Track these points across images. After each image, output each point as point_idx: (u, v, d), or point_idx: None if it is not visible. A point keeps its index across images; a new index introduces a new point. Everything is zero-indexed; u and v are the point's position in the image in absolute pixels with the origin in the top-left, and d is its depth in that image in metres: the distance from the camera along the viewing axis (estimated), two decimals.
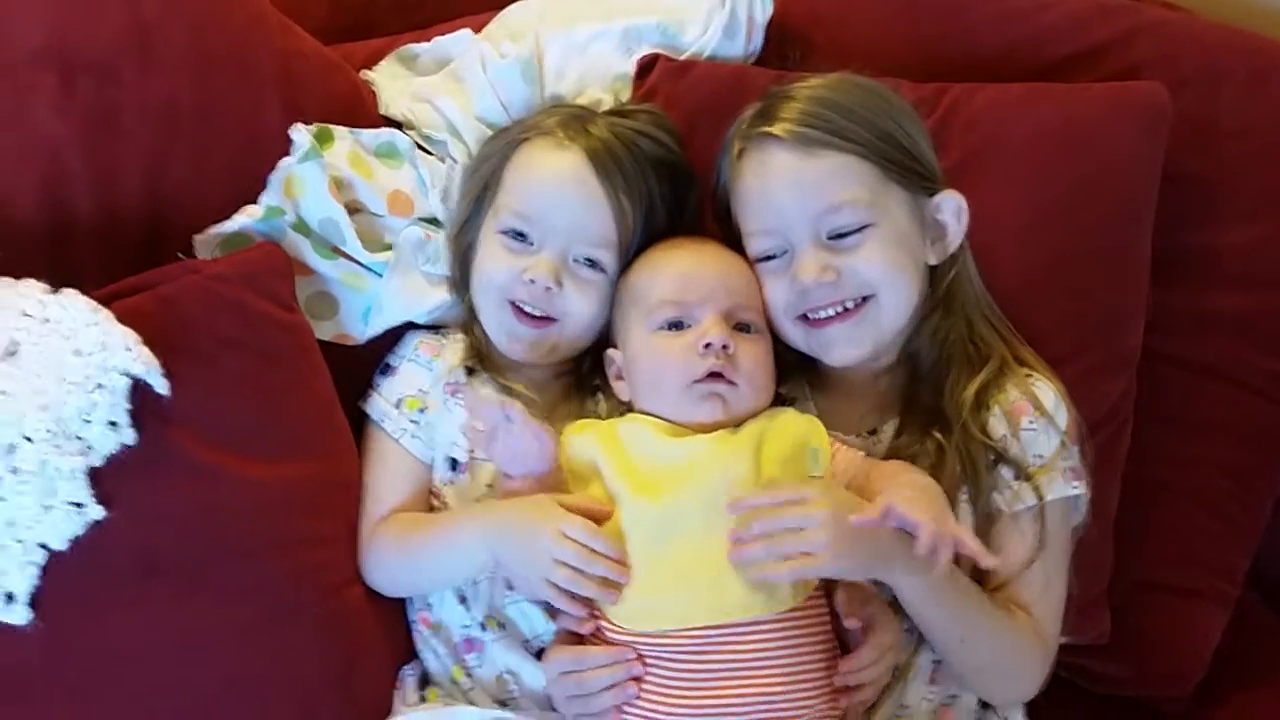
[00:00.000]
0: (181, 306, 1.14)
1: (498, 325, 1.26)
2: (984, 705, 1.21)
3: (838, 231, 1.19)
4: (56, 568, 1.03)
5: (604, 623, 1.13)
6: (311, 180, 1.27)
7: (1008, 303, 1.28)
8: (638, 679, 1.10)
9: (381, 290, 1.29)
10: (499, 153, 1.30)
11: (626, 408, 1.23)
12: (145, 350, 1.05)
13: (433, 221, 1.35)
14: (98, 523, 1.04)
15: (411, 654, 1.25)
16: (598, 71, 1.44)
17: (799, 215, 1.19)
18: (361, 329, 1.30)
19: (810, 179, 1.19)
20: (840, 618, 1.12)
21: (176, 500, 1.10)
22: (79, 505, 1.03)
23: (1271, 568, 1.46)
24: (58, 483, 1.01)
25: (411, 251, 1.31)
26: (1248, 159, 1.38)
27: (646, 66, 1.43)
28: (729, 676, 1.08)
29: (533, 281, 1.22)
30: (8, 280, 1.09)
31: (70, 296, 1.07)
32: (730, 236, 1.26)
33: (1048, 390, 1.21)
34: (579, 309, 1.24)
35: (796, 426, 1.17)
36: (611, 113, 1.34)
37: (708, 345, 1.15)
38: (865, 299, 1.19)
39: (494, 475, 1.22)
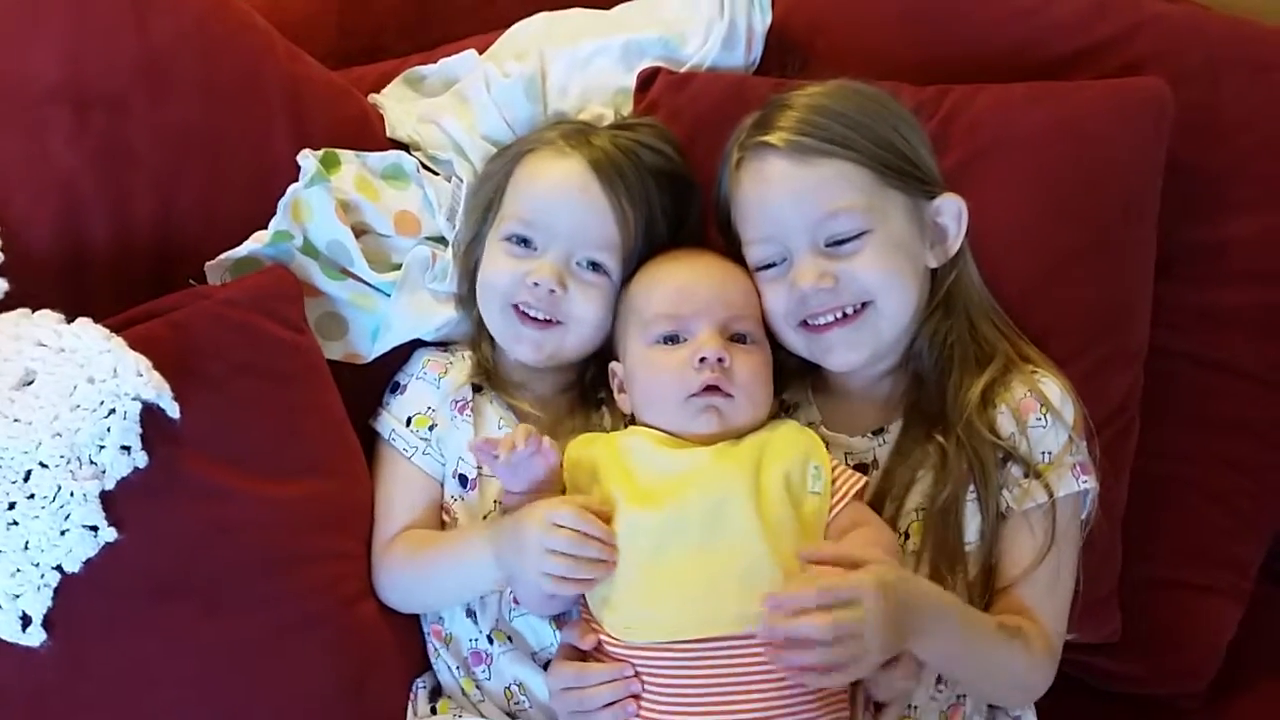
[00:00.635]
0: (192, 331, 1.16)
1: (503, 329, 1.27)
2: (992, 705, 1.21)
3: (836, 238, 1.19)
4: (71, 590, 1.06)
5: (603, 636, 1.13)
6: (318, 204, 1.29)
7: (1013, 301, 1.28)
8: (636, 696, 1.10)
9: (390, 309, 1.31)
10: (502, 168, 1.32)
11: (630, 421, 1.24)
12: (156, 375, 1.08)
13: (440, 240, 1.37)
14: (111, 545, 1.06)
15: (426, 665, 1.26)
16: (600, 86, 1.45)
17: (797, 223, 1.20)
18: (370, 348, 1.32)
19: (807, 187, 1.20)
20: None
21: (189, 521, 1.12)
22: (93, 528, 1.05)
23: None
24: (72, 507, 1.04)
25: (419, 270, 1.33)
26: (1252, 150, 1.37)
27: (648, 80, 1.44)
28: (726, 692, 1.08)
29: (536, 284, 1.23)
30: (24, 311, 1.12)
31: (84, 325, 1.10)
32: (732, 246, 1.27)
33: (1053, 386, 1.21)
34: (583, 312, 1.25)
35: (797, 441, 1.18)
36: (613, 126, 1.35)
37: (703, 359, 1.16)
38: (864, 305, 1.20)
39: (502, 491, 1.23)
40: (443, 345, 1.34)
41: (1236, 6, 1.50)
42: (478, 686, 1.22)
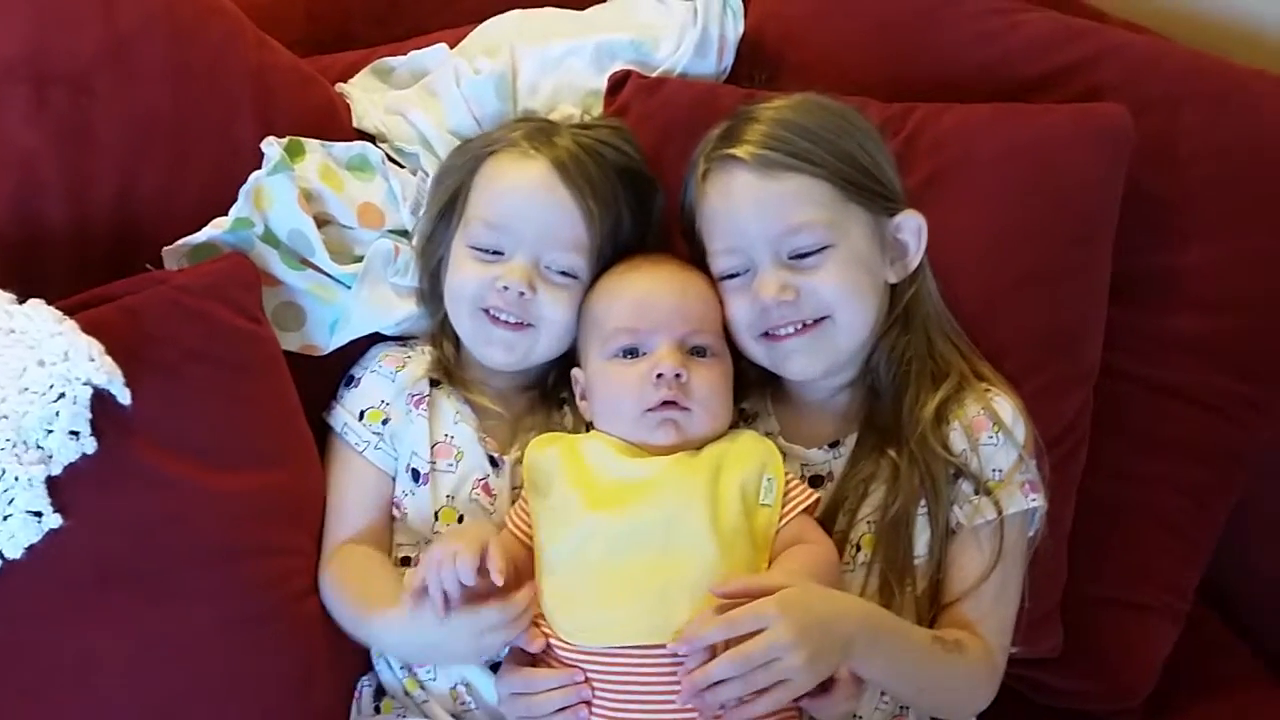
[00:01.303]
0: (146, 317, 1.15)
1: (473, 333, 1.27)
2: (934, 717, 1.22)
3: (798, 252, 1.20)
4: (13, 576, 1.04)
5: (554, 640, 1.13)
6: (281, 192, 1.28)
7: (969, 319, 1.29)
8: (588, 703, 1.10)
9: (350, 301, 1.31)
10: (465, 166, 1.31)
11: (590, 426, 1.24)
12: (109, 360, 1.06)
13: (403, 234, 1.36)
14: (55, 531, 1.05)
15: (370, 665, 1.25)
16: (571, 86, 1.45)
17: (760, 236, 1.21)
18: (328, 340, 1.31)
19: (771, 200, 1.20)
20: None
21: (136, 509, 1.11)
22: (37, 514, 1.04)
23: (1224, 582, 1.48)
24: (16, 491, 1.03)
25: (381, 263, 1.32)
26: (1208, 181, 1.39)
27: (618, 83, 1.44)
28: (676, 698, 1.06)
29: (506, 288, 1.23)
30: None
31: (36, 307, 1.08)
32: (695, 253, 1.28)
33: (1006, 405, 1.23)
34: (553, 314, 1.25)
35: (755, 452, 1.19)
36: (574, 126, 1.35)
37: (660, 375, 1.17)
38: (823, 317, 1.21)
39: (454, 487, 1.24)
40: (402, 340, 1.34)
41: (1198, 38, 1.53)
42: (422, 687, 1.21)
